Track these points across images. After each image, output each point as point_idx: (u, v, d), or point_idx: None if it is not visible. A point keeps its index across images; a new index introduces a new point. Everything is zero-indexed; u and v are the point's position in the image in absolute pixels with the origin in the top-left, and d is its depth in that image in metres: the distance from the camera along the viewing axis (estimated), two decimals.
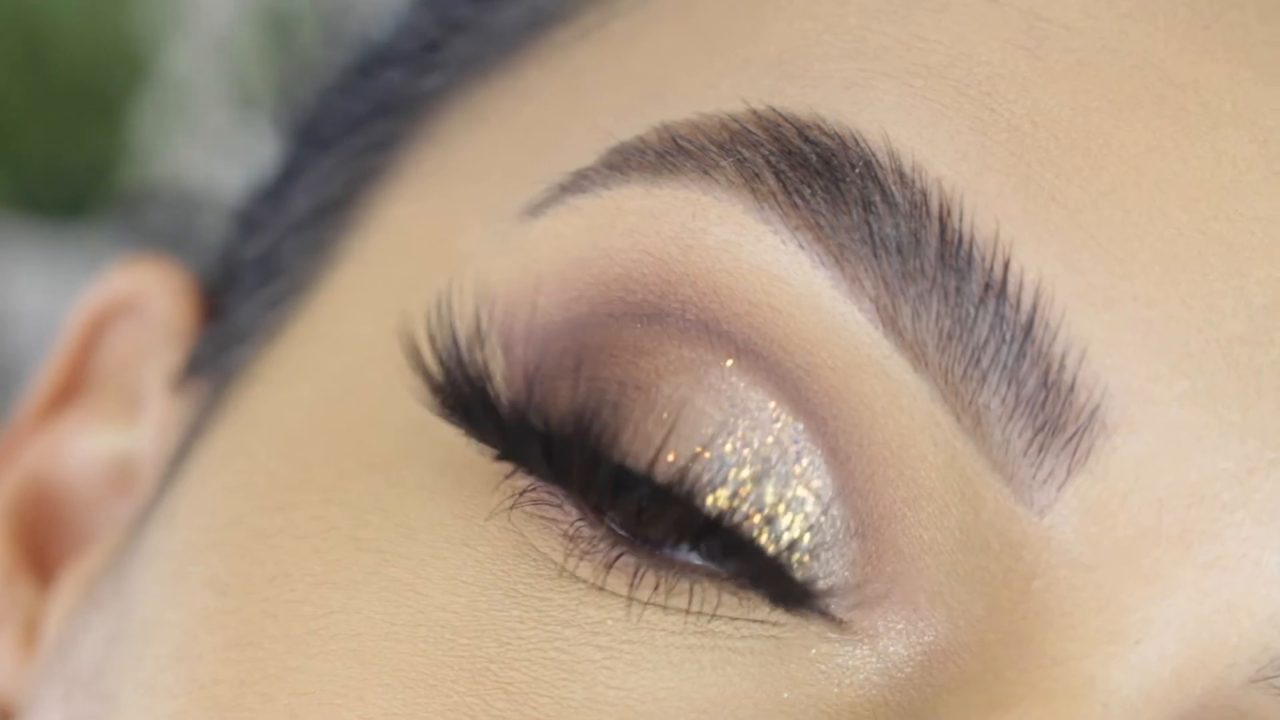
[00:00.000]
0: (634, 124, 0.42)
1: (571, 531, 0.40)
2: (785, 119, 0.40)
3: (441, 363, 0.41)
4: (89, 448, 0.54)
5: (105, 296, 0.55)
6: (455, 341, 0.41)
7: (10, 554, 0.54)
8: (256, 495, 0.43)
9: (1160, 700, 0.38)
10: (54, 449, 0.54)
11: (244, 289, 0.51)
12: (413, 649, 0.40)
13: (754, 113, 0.41)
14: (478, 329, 0.41)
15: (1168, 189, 0.39)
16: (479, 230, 0.43)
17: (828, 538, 0.39)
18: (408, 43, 0.52)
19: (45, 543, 0.54)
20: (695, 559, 0.40)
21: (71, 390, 0.55)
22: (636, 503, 0.39)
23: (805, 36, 0.42)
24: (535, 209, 0.42)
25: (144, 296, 0.55)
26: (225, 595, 0.42)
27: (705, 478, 0.39)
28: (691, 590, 0.39)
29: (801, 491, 0.39)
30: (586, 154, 0.42)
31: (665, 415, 0.40)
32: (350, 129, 0.51)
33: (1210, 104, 0.40)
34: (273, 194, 0.55)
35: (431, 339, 0.41)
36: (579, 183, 0.42)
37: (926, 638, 0.39)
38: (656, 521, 0.39)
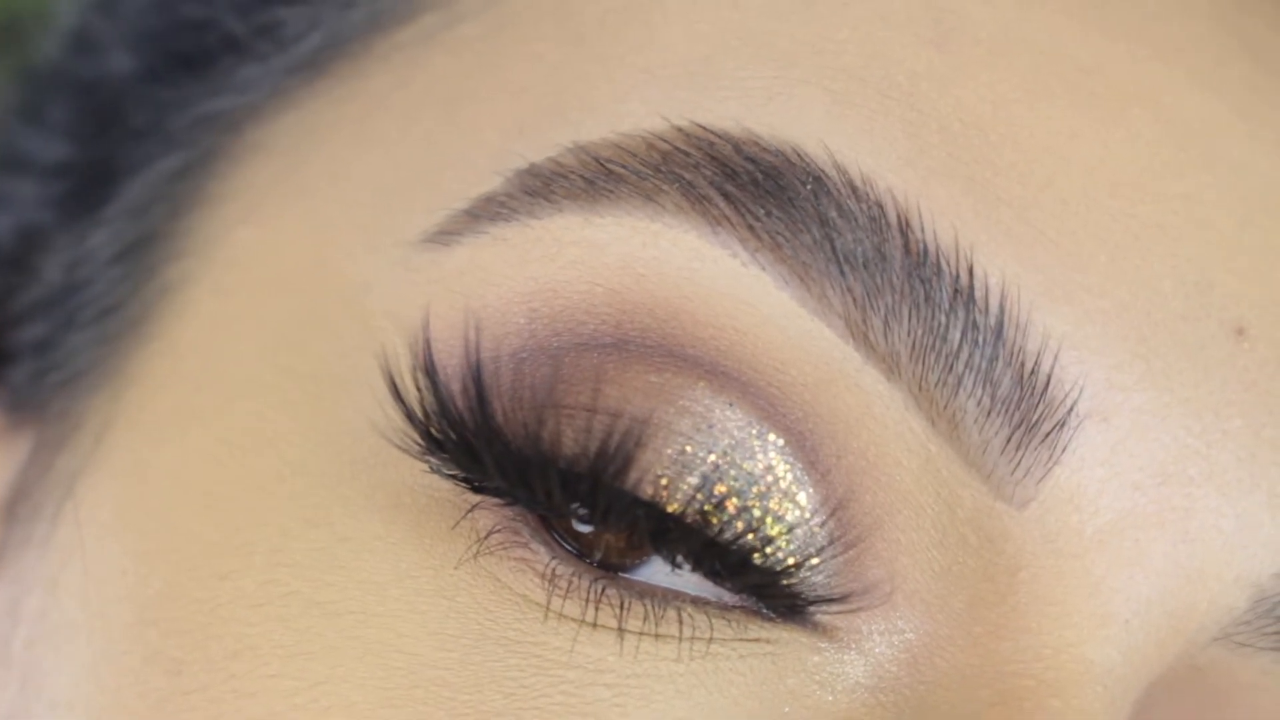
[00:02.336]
0: (538, 143, 0.41)
1: (548, 571, 0.39)
2: (717, 135, 0.40)
3: (422, 399, 0.40)
4: None
5: None
6: (438, 377, 0.40)
7: None
8: (186, 563, 0.41)
9: (1145, 671, 0.40)
10: None
11: (44, 327, 0.49)
12: (415, 712, 0.38)
13: (679, 130, 0.40)
14: (429, 372, 0.40)
15: (1095, 176, 0.40)
16: (367, 255, 0.42)
17: (812, 549, 0.39)
18: (201, 51, 0.49)
19: None
20: (686, 570, 0.40)
21: None
22: (628, 522, 0.39)
23: (708, 43, 0.41)
24: (442, 236, 0.41)
25: None
26: (181, 674, 0.40)
27: (687, 493, 0.39)
28: (680, 617, 0.39)
29: (785, 505, 0.39)
30: (486, 175, 0.41)
31: (641, 437, 0.39)
32: (145, 151, 0.48)
33: (1117, 86, 0.41)
34: (33, 232, 0.51)
35: (414, 377, 0.40)
36: (497, 210, 0.41)
37: (907, 635, 0.40)
38: (644, 537, 0.39)
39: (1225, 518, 0.40)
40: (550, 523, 0.40)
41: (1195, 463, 0.40)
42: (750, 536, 0.39)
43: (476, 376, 0.39)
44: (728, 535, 0.39)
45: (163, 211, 0.47)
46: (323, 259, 0.43)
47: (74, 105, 0.52)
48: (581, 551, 0.40)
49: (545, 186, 0.40)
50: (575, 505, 0.39)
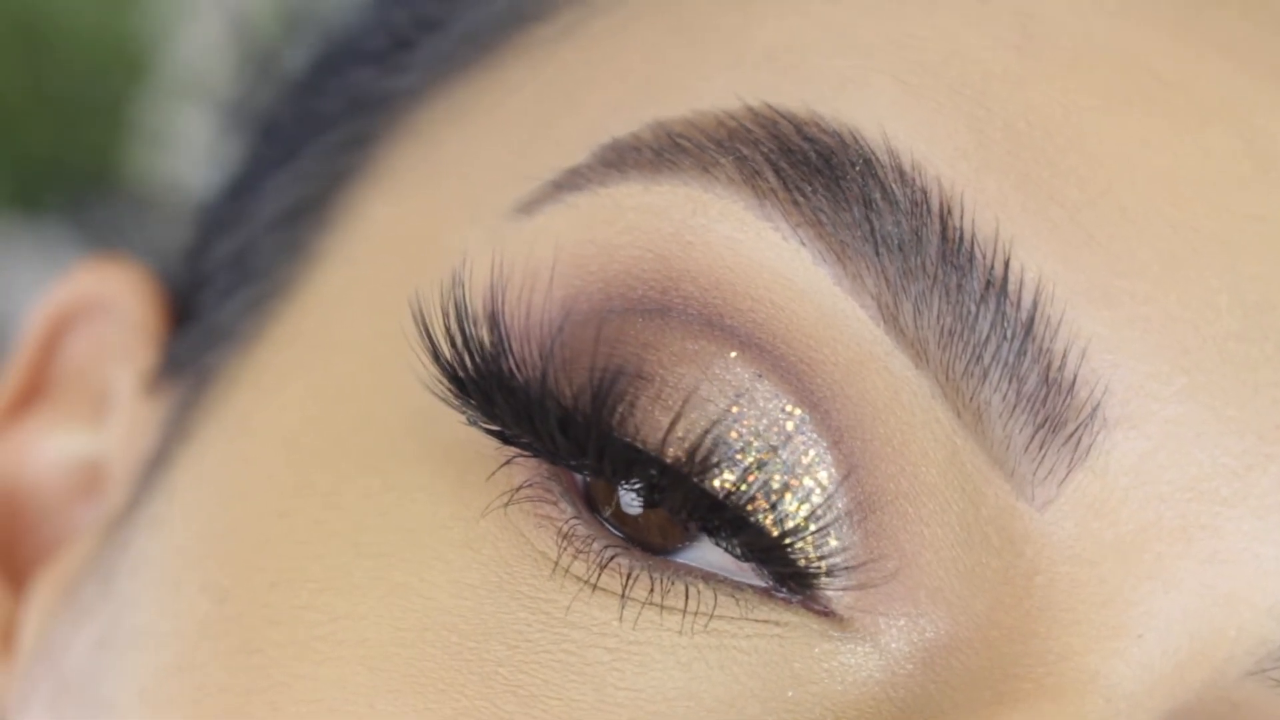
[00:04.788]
0: (627, 120, 0.42)
1: (566, 530, 0.40)
2: (782, 116, 0.40)
3: (455, 344, 0.41)
4: (54, 451, 0.53)
5: (67, 297, 0.55)
6: (471, 321, 0.41)
7: None
8: (255, 501, 0.43)
9: (1162, 694, 0.38)
10: (18, 453, 0.54)
11: (218, 289, 0.51)
12: (421, 654, 0.39)
13: (750, 109, 0.41)
14: (492, 313, 0.41)
15: (1161, 186, 0.40)
16: (469, 227, 0.43)
17: (830, 524, 0.39)
18: (378, 40, 0.52)
19: (12, 547, 0.54)
20: (694, 545, 0.40)
21: (34, 392, 0.55)
22: (647, 480, 0.39)
23: (797, 33, 0.42)
24: (529, 206, 0.42)
25: (107, 297, 0.54)
26: (225, 602, 0.42)
27: (713, 459, 0.39)
28: (687, 591, 0.39)
29: (807, 480, 0.39)
30: (578, 151, 0.42)
31: (674, 402, 0.40)
32: (322, 127, 0.51)
33: (1199, 101, 0.41)
34: (239, 192, 0.54)
35: (445, 321, 0.41)
36: (574, 180, 0.42)
37: (928, 634, 0.39)
38: (666, 498, 0.40)
39: (1261, 543, 0.39)
40: (595, 502, 0.40)
41: (1230, 483, 0.39)
42: (768, 508, 0.39)
43: (495, 320, 0.40)
44: (746, 505, 0.39)
45: (319, 185, 0.49)
46: (434, 233, 0.44)
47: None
48: (613, 523, 0.40)
49: (620, 158, 0.41)
50: (584, 459, 0.40)
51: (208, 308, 0.51)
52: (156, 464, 0.48)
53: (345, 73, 0.52)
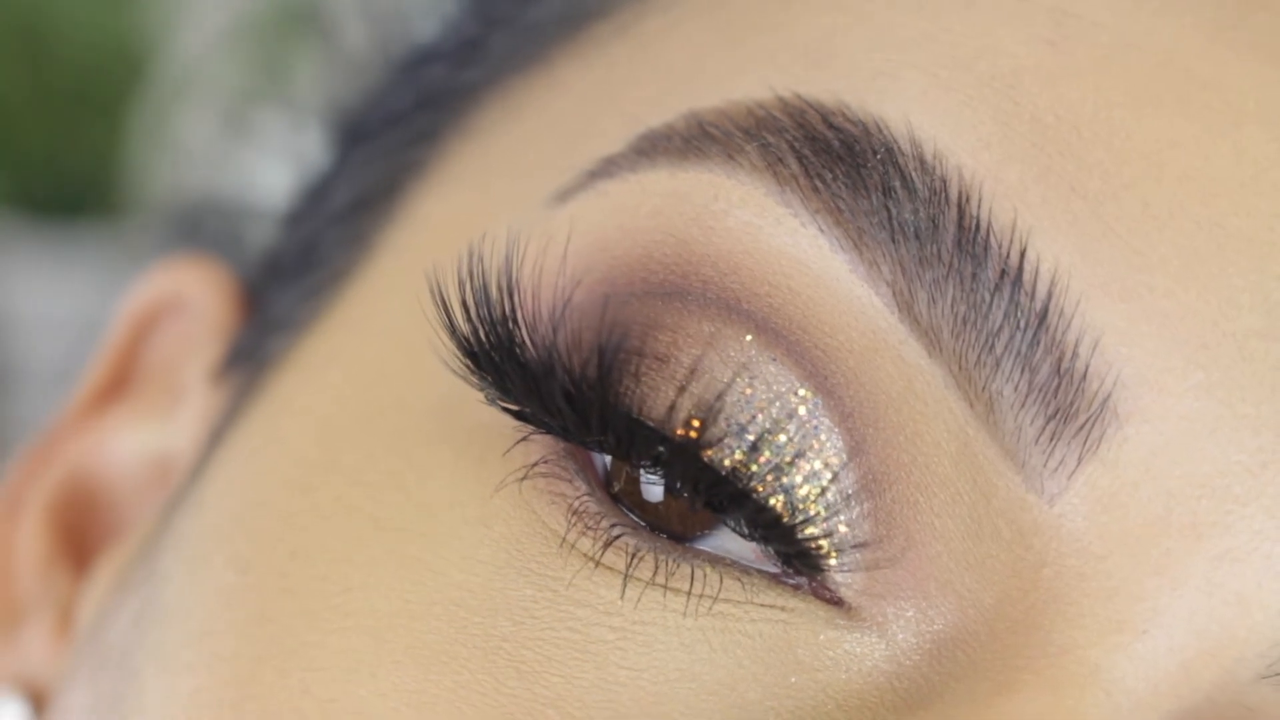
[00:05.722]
0: (662, 112, 0.42)
1: (577, 506, 0.40)
2: (810, 105, 0.40)
3: (470, 315, 0.41)
4: (132, 444, 0.54)
5: (150, 295, 0.55)
6: (485, 293, 0.41)
7: (50, 545, 0.54)
8: (284, 478, 0.44)
9: (1167, 693, 0.38)
10: (98, 445, 0.55)
11: (284, 280, 0.52)
12: (427, 626, 0.40)
13: (780, 99, 0.41)
14: (507, 285, 0.41)
15: (1188, 184, 0.39)
16: (509, 217, 0.44)
17: (839, 507, 0.39)
18: (450, 39, 0.53)
19: (86, 536, 0.54)
20: (709, 535, 0.40)
21: (117, 387, 0.56)
22: (654, 457, 0.39)
23: (833, 28, 0.42)
24: (563, 194, 0.42)
25: (188, 295, 0.55)
26: (247, 573, 0.42)
27: (720, 435, 0.39)
28: (693, 573, 0.39)
29: (816, 461, 0.39)
30: (615, 142, 0.42)
31: (681, 376, 0.40)
32: (392, 123, 0.52)
33: (1233, 102, 0.40)
34: (316, 189, 0.55)
35: (462, 292, 0.41)
36: (607, 168, 0.42)
37: (936, 626, 0.39)
38: (672, 473, 0.39)
39: (1273, 542, 0.38)
40: (616, 494, 0.40)
41: (1243, 481, 0.38)
42: (776, 486, 0.39)
43: (510, 291, 0.40)
44: (754, 483, 0.39)
45: (384, 179, 0.50)
46: (478, 225, 0.44)
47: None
48: (631, 509, 0.40)
49: (652, 146, 0.41)
50: (589, 433, 0.40)
51: (273, 299, 0.52)
52: (209, 449, 0.49)
53: (418, 70, 0.53)
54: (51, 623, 0.52)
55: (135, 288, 0.56)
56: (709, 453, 0.39)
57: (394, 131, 0.51)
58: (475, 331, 0.41)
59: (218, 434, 0.49)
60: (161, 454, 0.54)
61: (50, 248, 1.08)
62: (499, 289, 0.41)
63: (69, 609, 0.52)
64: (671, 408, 0.39)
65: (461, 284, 0.41)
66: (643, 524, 0.40)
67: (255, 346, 0.50)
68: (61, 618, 0.52)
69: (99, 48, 1.05)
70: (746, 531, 0.39)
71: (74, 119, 1.07)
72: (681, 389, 0.39)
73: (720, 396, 0.39)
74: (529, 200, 0.43)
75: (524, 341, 0.40)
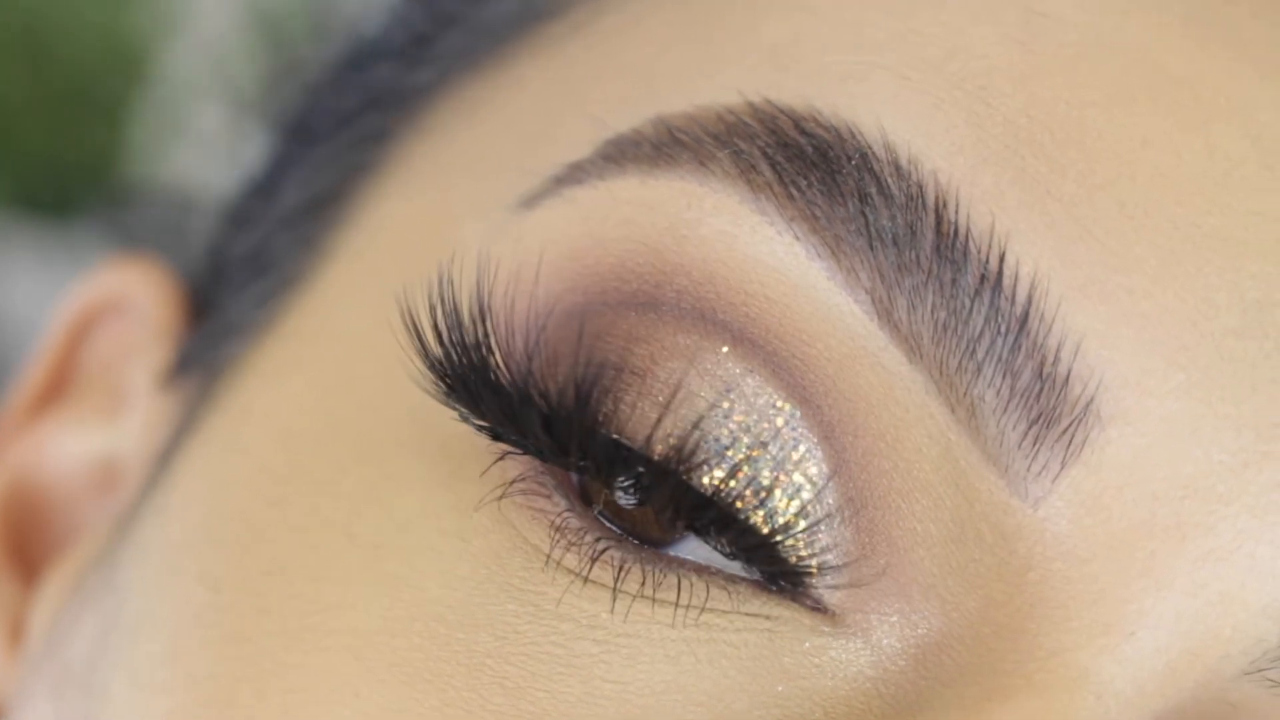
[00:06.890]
0: (628, 116, 0.42)
1: (559, 522, 0.40)
2: (781, 111, 0.40)
3: (442, 340, 0.41)
4: (73, 447, 0.54)
5: (90, 296, 0.55)
6: (457, 317, 0.41)
7: None
8: (250, 489, 0.43)
9: (1153, 692, 0.38)
10: (38, 448, 0.54)
11: (233, 284, 0.51)
12: (409, 644, 0.39)
13: (750, 105, 0.41)
14: (479, 309, 0.41)
15: (1163, 183, 0.39)
16: (472, 222, 0.43)
17: (820, 521, 0.39)
18: (398, 37, 0.52)
19: (29, 542, 0.54)
20: (690, 538, 0.40)
21: (56, 389, 0.55)
22: (634, 478, 0.39)
23: (801, 29, 0.42)
24: (530, 200, 0.42)
25: (129, 296, 0.54)
26: (219, 590, 0.42)
27: (700, 456, 0.39)
28: (679, 584, 0.39)
29: (797, 476, 0.39)
30: (581, 146, 0.42)
31: (661, 396, 0.39)
32: (341, 124, 0.51)
33: (1205, 99, 0.40)
34: (260, 190, 0.54)
35: (433, 316, 0.41)
36: (574, 175, 0.42)
37: (920, 630, 0.39)
38: (653, 495, 0.39)
39: (1256, 542, 0.38)
40: (590, 497, 0.40)
41: (1226, 480, 0.38)
42: (757, 504, 0.39)
43: (482, 315, 0.40)
44: (735, 502, 0.39)
45: (334, 181, 0.49)
46: (438, 228, 0.44)
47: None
48: (610, 517, 0.40)
49: (620, 152, 0.41)
50: (568, 457, 0.39)
51: (223, 304, 0.51)
52: (164, 458, 0.48)
53: (365, 70, 0.53)
54: (1, 635, 0.52)
55: (75, 288, 0.55)
56: (689, 474, 0.39)
57: (343, 132, 0.50)
58: (448, 355, 0.40)
59: (174, 442, 0.48)
60: (105, 457, 0.53)
61: (50, 248, 1.08)
62: (471, 316, 0.40)
63: (18, 620, 0.52)
64: (651, 431, 0.39)
65: (433, 309, 0.41)
66: (623, 533, 0.40)
67: (206, 352, 0.50)
68: (12, 629, 0.52)
69: (99, 48, 1.04)
70: (729, 551, 0.39)
71: (74, 119, 1.07)
72: (658, 407, 0.39)
73: (698, 413, 0.39)
74: (493, 203, 0.43)
75: (499, 366, 0.40)
